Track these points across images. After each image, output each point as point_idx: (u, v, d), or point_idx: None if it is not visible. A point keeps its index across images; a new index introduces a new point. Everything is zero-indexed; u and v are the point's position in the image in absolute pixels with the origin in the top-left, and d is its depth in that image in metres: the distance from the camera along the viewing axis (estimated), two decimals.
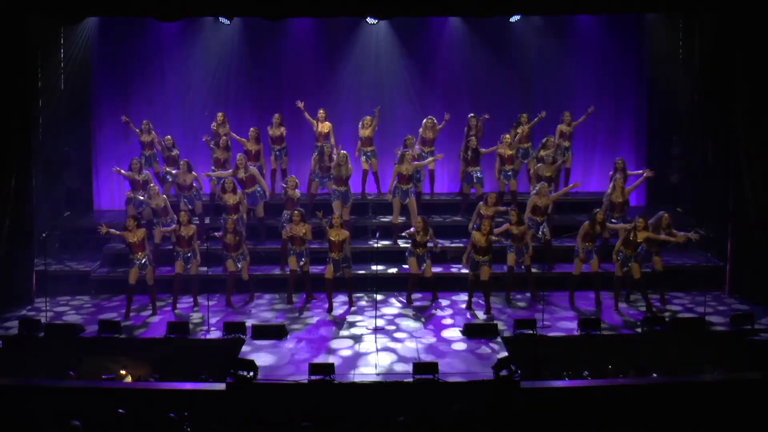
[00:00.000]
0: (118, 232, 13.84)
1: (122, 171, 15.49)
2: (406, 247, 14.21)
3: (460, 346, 12.45)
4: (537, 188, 14.68)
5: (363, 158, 16.37)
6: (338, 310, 13.93)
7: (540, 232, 14.41)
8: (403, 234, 14.47)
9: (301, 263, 14.04)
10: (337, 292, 14.21)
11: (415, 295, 14.39)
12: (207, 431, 10.21)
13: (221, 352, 12.33)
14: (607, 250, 14.40)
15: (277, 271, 15.03)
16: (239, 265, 14.10)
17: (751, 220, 14.12)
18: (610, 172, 15.38)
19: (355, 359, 12.01)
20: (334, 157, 15.55)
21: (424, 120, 16.27)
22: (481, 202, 14.81)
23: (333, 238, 13.70)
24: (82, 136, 17.31)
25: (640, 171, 15.45)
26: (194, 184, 15.57)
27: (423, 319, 13.54)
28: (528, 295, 14.31)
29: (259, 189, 15.38)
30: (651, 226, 13.71)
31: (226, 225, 14.07)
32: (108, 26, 17.18)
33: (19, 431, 10.45)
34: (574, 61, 17.70)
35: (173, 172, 15.68)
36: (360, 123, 16.30)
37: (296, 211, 14.00)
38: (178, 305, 14.07)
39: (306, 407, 10.83)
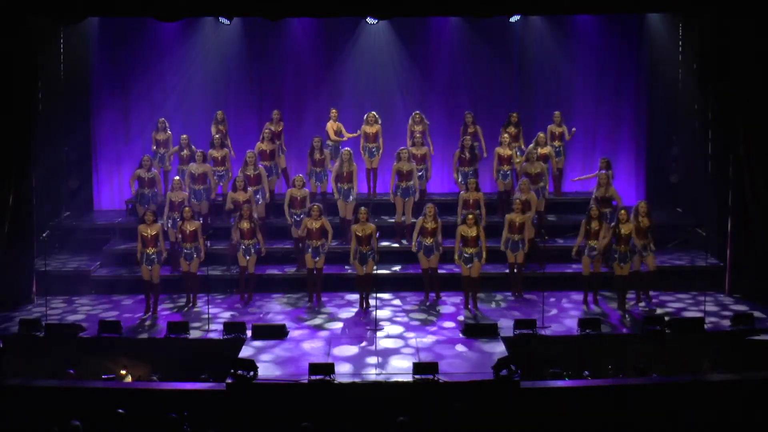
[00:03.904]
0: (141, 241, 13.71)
1: (134, 186, 15.46)
2: (406, 248, 14.17)
3: (460, 346, 12.44)
4: (519, 183, 14.73)
5: (366, 155, 16.34)
6: (344, 311, 13.91)
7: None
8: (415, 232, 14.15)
9: (316, 260, 14.02)
10: (337, 292, 14.18)
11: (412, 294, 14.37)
12: (207, 431, 10.22)
13: (221, 352, 12.31)
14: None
15: (275, 271, 14.99)
16: (248, 258, 14.06)
17: (751, 220, 14.12)
18: (595, 171, 15.49)
19: (360, 359, 12.02)
20: (325, 150, 15.61)
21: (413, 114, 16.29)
22: (461, 192, 14.78)
23: (360, 233, 13.69)
24: (82, 136, 17.27)
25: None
26: (207, 182, 15.45)
27: (422, 318, 13.54)
28: (534, 294, 14.20)
29: (261, 189, 15.37)
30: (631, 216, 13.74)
31: (242, 211, 14.04)
32: (108, 26, 17.16)
33: (19, 431, 10.46)
34: (574, 60, 17.68)
35: (186, 168, 15.51)
36: (364, 119, 16.27)
37: (315, 206, 13.97)
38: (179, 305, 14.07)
39: (306, 407, 10.84)
